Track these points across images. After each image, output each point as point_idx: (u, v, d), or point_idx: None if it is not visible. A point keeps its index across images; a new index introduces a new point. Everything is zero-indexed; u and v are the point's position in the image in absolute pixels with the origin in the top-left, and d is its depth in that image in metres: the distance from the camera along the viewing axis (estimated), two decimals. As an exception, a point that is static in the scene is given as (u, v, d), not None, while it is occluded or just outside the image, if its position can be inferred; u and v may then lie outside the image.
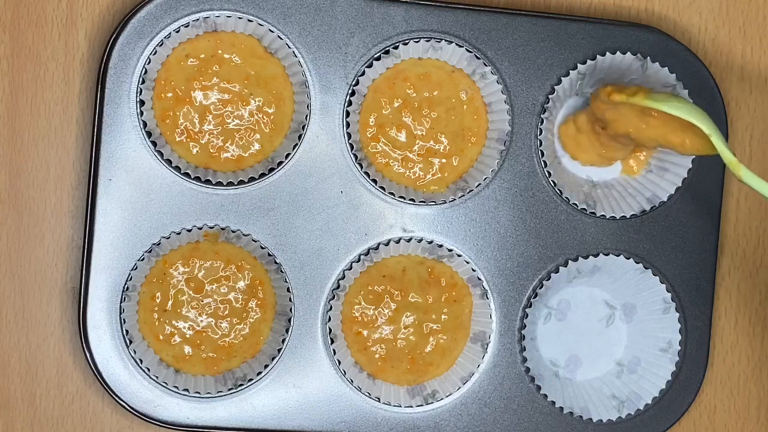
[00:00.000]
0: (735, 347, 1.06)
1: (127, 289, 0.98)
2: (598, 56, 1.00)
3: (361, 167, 0.99)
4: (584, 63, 1.00)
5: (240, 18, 0.98)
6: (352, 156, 0.99)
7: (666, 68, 1.00)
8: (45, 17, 1.00)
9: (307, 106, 0.99)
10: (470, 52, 1.00)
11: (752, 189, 0.90)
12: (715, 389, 1.05)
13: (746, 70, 1.05)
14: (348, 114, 0.99)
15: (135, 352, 0.98)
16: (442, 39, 0.99)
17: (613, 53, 1.00)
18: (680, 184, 1.01)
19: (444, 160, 1.01)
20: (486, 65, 1.00)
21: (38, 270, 1.00)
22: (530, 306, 1.01)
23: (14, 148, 1.00)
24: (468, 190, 1.00)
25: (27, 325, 1.00)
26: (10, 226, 1.00)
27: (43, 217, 1.00)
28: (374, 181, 0.99)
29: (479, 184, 1.00)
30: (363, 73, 0.99)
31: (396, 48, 0.99)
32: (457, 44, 0.99)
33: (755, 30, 1.05)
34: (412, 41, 0.99)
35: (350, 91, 0.99)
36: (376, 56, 0.99)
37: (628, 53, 1.00)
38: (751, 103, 1.05)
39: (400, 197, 1.00)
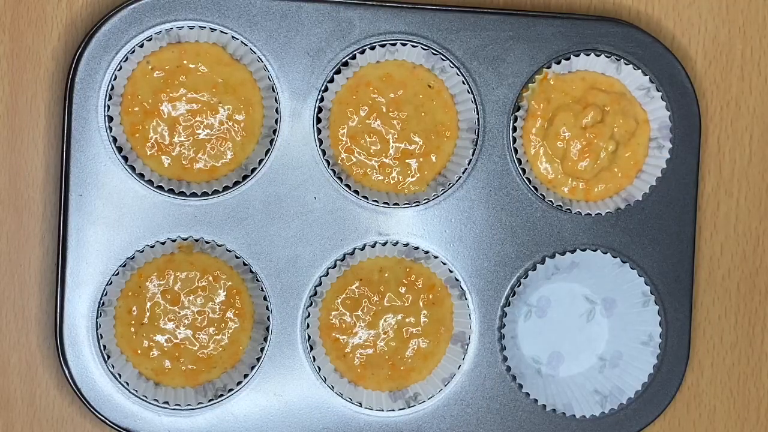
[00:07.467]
0: (735, 347, 1.05)
1: (103, 304, 0.97)
2: (572, 56, 0.99)
3: (341, 180, 0.99)
4: (559, 63, 1.00)
5: (203, 28, 0.97)
6: (324, 162, 0.99)
7: (640, 71, 0.99)
8: (45, 17, 1.00)
9: (276, 110, 0.98)
10: (426, 49, 0.99)
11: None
12: (715, 389, 1.05)
13: (746, 70, 1.05)
14: (319, 131, 0.98)
15: (113, 367, 0.97)
16: (396, 42, 0.98)
17: (586, 50, 0.99)
18: (654, 183, 1.00)
19: (422, 159, 1.00)
20: (443, 59, 0.99)
21: (38, 270, 1.00)
22: (509, 305, 1.01)
23: (14, 148, 1.00)
24: (449, 185, 1.00)
25: (27, 325, 1.00)
26: (10, 226, 1.00)
27: (43, 217, 1.00)
28: (356, 192, 0.99)
29: (459, 177, 1.00)
30: (332, 80, 0.98)
31: (353, 58, 0.98)
32: (412, 44, 0.98)
33: (755, 30, 1.05)
34: (368, 48, 0.98)
35: (320, 97, 0.98)
36: (343, 61, 0.98)
37: (603, 55, 0.99)
38: (751, 103, 1.05)
39: (384, 203, 0.99)
